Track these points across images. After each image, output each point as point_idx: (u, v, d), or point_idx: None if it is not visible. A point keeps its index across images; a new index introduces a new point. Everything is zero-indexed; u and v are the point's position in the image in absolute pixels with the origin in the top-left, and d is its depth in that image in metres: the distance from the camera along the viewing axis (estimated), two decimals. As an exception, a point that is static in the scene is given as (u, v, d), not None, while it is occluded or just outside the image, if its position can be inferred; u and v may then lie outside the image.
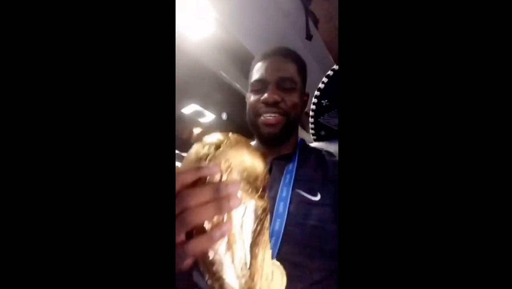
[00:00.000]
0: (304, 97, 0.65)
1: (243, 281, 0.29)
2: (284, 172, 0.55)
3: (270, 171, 0.57)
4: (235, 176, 0.30)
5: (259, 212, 0.31)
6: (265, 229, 0.33)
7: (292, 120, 0.59)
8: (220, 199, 0.27)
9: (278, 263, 0.43)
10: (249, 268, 0.29)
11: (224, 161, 0.29)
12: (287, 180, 0.53)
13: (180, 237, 0.27)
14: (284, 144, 0.61)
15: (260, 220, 0.31)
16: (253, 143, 0.66)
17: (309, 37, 0.96)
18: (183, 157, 0.37)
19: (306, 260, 0.44)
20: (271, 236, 0.46)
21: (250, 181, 0.31)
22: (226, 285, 0.28)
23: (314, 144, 0.80)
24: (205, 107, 2.43)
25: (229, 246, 0.28)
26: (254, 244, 0.30)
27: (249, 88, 0.62)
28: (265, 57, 0.62)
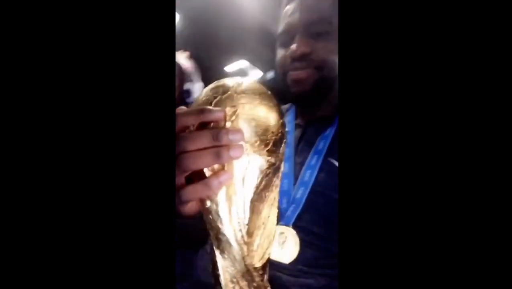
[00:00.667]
0: None
1: (239, 235, 0.28)
2: (319, 138, 0.49)
3: (303, 134, 0.52)
4: (241, 124, 0.27)
5: (265, 167, 0.29)
6: (274, 187, 0.31)
7: (327, 74, 0.48)
8: (220, 146, 0.25)
9: (293, 230, 0.41)
10: (248, 223, 0.28)
11: (230, 107, 0.27)
12: (320, 146, 0.47)
13: (179, 180, 0.26)
14: (323, 104, 0.53)
15: (266, 175, 0.29)
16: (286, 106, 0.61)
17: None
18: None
19: (324, 231, 0.41)
20: (291, 202, 0.43)
21: (259, 133, 0.28)
22: (221, 235, 0.27)
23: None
24: (253, 63, 2.36)
25: (228, 197, 0.27)
26: (257, 200, 0.29)
27: (277, 43, 0.52)
28: (290, 1, 0.51)
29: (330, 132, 0.48)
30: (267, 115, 0.29)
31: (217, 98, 0.28)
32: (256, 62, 2.31)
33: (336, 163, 0.45)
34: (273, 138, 0.29)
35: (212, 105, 0.27)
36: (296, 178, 0.45)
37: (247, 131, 0.27)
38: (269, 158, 0.29)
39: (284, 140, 0.32)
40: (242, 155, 0.26)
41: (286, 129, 0.47)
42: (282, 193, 0.44)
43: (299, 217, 0.42)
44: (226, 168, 0.26)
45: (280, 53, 0.50)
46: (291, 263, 0.40)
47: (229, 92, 0.28)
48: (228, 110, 0.27)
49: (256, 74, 2.45)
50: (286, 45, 0.49)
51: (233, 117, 0.27)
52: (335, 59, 0.48)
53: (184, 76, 0.80)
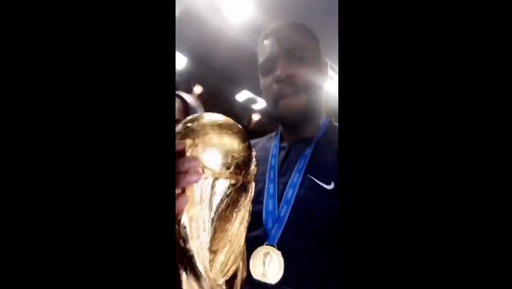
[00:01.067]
0: (323, 67, 0.56)
1: (201, 253, 0.30)
2: (300, 157, 0.51)
3: (287, 155, 0.54)
4: (201, 152, 0.31)
5: (226, 187, 0.32)
6: (241, 206, 0.33)
7: (314, 94, 0.51)
8: (178, 173, 0.29)
9: (277, 250, 0.42)
10: (210, 241, 0.30)
11: (190, 138, 0.31)
12: (301, 164, 0.49)
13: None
14: (307, 126, 0.56)
15: (227, 195, 0.32)
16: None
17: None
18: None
19: (308, 249, 0.41)
20: (275, 221, 0.44)
21: (219, 158, 0.32)
22: (184, 254, 0.29)
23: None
24: (257, 93, 2.46)
25: (190, 218, 0.30)
26: (221, 219, 0.31)
27: (260, 73, 0.55)
28: (267, 35, 0.54)
29: (308, 151, 0.50)
30: (227, 141, 0.33)
31: (182, 132, 0.32)
32: (258, 92, 2.41)
33: (317, 180, 0.46)
34: (234, 161, 0.32)
35: (178, 138, 0.32)
36: (280, 198, 0.47)
37: (208, 158, 0.31)
38: (231, 180, 0.32)
39: (254, 163, 0.35)
40: (198, 180, 0.29)
41: (272, 153, 0.51)
42: (267, 214, 0.46)
43: (282, 236, 0.43)
44: (186, 192, 0.30)
45: (265, 81, 0.54)
46: (275, 283, 0.40)
47: (191, 126, 0.32)
48: (188, 142, 0.31)
49: (261, 103, 2.54)
50: (269, 72, 0.53)
51: (192, 147, 0.31)
52: (319, 82, 0.52)
53: (188, 110, 0.86)
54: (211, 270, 0.30)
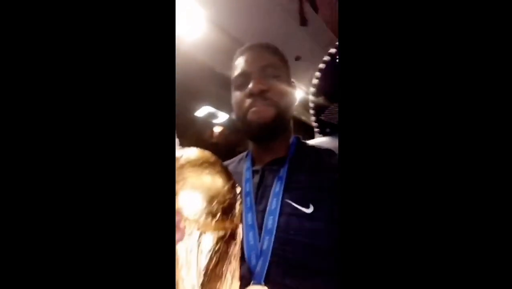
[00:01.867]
0: (291, 87, 0.58)
1: None
2: (275, 179, 0.49)
3: (262, 178, 0.52)
4: (183, 201, 0.26)
5: (214, 242, 0.27)
6: (231, 257, 0.29)
7: (283, 110, 0.53)
8: None
9: (266, 288, 0.39)
10: None
11: None
12: (277, 189, 0.47)
13: None
14: (278, 144, 0.55)
15: (217, 251, 0.27)
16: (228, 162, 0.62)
17: (303, 23, 0.89)
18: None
19: (298, 282, 0.39)
20: (259, 256, 0.41)
21: (203, 206, 0.27)
22: None
23: (314, 141, 0.73)
24: (217, 107, 2.42)
25: (176, 285, 0.25)
26: (211, 280, 0.26)
27: (232, 87, 0.57)
28: (242, 52, 0.57)
29: (283, 172, 0.49)
30: (211, 183, 0.28)
31: None
32: (219, 106, 2.37)
33: (295, 204, 0.44)
34: (220, 206, 0.28)
35: None
36: (260, 228, 0.44)
37: (189, 207, 0.26)
38: (218, 232, 0.27)
39: (238, 202, 0.31)
40: (181, 239, 0.25)
41: (246, 177, 0.46)
42: (249, 248, 0.42)
43: (269, 271, 0.40)
44: None
45: (237, 95, 0.54)
46: None
47: None
48: None
49: (223, 117, 2.51)
50: (242, 87, 0.53)
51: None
52: (290, 100, 0.53)
53: None
54: None
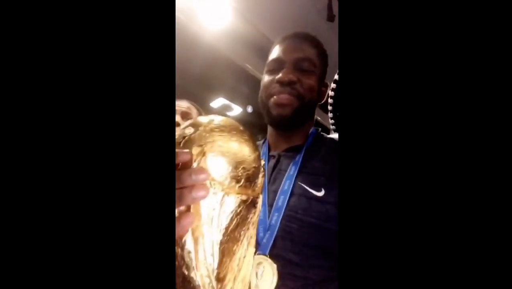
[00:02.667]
0: (323, 87, 0.58)
1: (207, 281, 0.26)
2: (291, 164, 0.51)
3: (277, 163, 0.54)
4: (209, 163, 0.26)
5: (237, 205, 0.28)
6: (250, 224, 0.29)
7: (307, 104, 0.53)
8: (182, 188, 0.25)
9: (270, 260, 0.40)
10: (218, 268, 0.26)
11: (197, 146, 0.26)
12: (291, 172, 0.49)
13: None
14: (296, 134, 0.56)
15: (237, 214, 0.28)
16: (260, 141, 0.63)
17: (331, 18, 0.89)
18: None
19: (301, 259, 0.41)
20: (266, 229, 0.43)
21: (229, 170, 0.27)
22: (187, 283, 0.25)
23: (333, 135, 0.74)
24: (232, 100, 2.44)
25: (195, 240, 0.25)
26: (229, 241, 0.27)
27: (265, 69, 0.57)
28: (283, 40, 0.57)
29: (299, 158, 0.50)
30: (238, 150, 0.28)
31: (186, 138, 0.27)
32: (233, 99, 2.39)
33: (307, 187, 0.46)
34: (245, 173, 0.28)
35: (181, 145, 0.27)
36: (270, 206, 0.46)
37: (216, 169, 0.26)
38: (241, 195, 0.28)
39: (261, 174, 0.31)
40: (206, 196, 0.25)
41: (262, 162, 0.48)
42: (258, 222, 0.44)
43: (274, 245, 0.41)
44: (192, 210, 0.25)
45: (267, 78, 0.55)
46: None
47: (198, 131, 0.28)
48: (195, 150, 0.26)
49: (237, 110, 2.53)
50: (273, 72, 0.54)
51: (200, 157, 0.26)
52: (315, 96, 0.54)
53: (187, 116, 0.81)
54: None
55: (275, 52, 0.56)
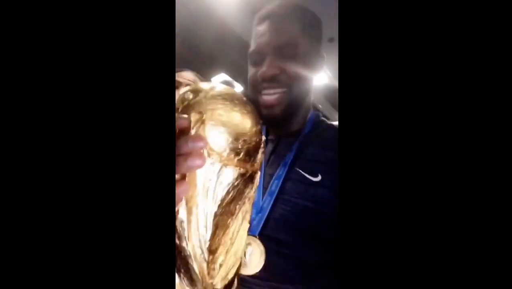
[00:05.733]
0: (317, 60, 0.53)
1: (198, 252, 0.25)
2: (288, 150, 0.50)
3: (276, 147, 0.53)
4: (208, 131, 0.25)
5: (234, 178, 0.27)
6: (246, 199, 0.28)
7: (296, 93, 0.50)
8: (179, 155, 0.23)
9: (258, 241, 0.40)
10: (210, 239, 0.25)
11: (197, 113, 0.25)
12: (287, 158, 0.48)
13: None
14: (293, 121, 0.55)
15: (234, 187, 0.27)
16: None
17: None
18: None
19: (292, 239, 0.41)
20: (258, 212, 0.43)
21: (229, 141, 0.26)
22: (178, 252, 0.25)
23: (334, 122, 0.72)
24: (235, 78, 2.39)
25: (188, 210, 0.24)
26: (223, 213, 0.26)
27: (248, 62, 0.53)
28: (261, 20, 0.51)
29: (297, 144, 0.49)
30: (239, 122, 0.27)
31: (185, 103, 0.26)
32: (236, 76, 2.34)
33: (304, 173, 0.45)
34: (245, 146, 0.27)
35: (179, 110, 0.26)
36: (265, 188, 0.46)
37: (215, 139, 0.25)
38: (239, 168, 0.27)
39: (261, 149, 0.30)
40: (202, 165, 0.24)
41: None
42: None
43: (264, 226, 0.42)
44: (187, 179, 0.24)
45: (252, 71, 0.51)
46: (261, 280, 0.39)
47: (197, 98, 0.26)
48: (194, 116, 0.25)
49: (238, 88, 2.48)
50: (257, 64, 0.50)
51: (198, 124, 0.25)
52: (303, 78, 0.50)
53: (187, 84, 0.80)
54: (208, 273, 0.25)
55: (255, 39, 0.51)
